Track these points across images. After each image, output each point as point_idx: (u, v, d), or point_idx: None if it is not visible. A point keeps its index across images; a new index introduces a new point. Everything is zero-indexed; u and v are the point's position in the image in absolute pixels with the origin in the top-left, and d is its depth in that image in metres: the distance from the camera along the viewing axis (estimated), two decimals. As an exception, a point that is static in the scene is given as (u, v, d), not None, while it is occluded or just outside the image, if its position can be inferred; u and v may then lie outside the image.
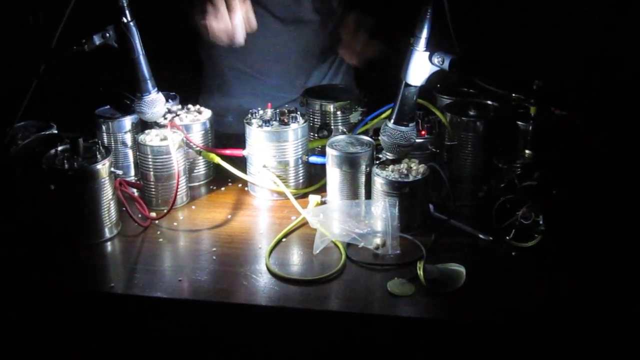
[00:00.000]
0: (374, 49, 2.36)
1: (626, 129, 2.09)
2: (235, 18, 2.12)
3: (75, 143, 1.89)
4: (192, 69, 2.81)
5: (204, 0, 2.11)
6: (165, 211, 2.02)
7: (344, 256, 1.83)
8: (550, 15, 2.53)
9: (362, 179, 1.98)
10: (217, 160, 2.14)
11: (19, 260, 1.86)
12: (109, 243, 1.93)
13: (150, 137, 2.07)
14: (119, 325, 1.78)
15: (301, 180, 2.15)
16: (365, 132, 2.17)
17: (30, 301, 1.79)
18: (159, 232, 1.97)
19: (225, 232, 1.98)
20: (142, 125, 2.16)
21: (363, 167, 1.97)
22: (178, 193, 2.04)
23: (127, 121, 2.16)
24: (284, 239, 1.93)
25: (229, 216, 2.06)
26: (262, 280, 1.76)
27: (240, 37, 2.14)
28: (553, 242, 1.83)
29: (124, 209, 1.98)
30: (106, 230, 1.93)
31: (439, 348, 1.66)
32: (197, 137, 2.18)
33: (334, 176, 2.00)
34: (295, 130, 2.09)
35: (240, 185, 2.22)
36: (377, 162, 1.99)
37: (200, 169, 2.23)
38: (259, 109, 2.13)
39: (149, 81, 2.04)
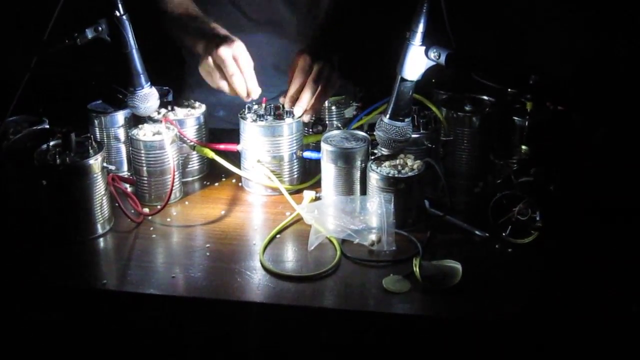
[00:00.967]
0: (323, 98, 2.16)
1: (623, 123, 2.08)
2: (247, 78, 2.11)
3: (67, 138, 1.87)
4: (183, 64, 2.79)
5: (214, 63, 2.10)
6: (158, 207, 2.00)
7: (339, 253, 1.81)
8: (547, 9, 2.51)
9: (357, 174, 1.96)
10: (211, 155, 2.12)
11: (9, 256, 1.85)
12: (101, 239, 1.92)
13: (143, 132, 2.05)
14: (111, 322, 1.76)
15: (296, 176, 2.14)
16: (360, 127, 2.15)
17: (21, 298, 1.77)
18: (152, 228, 1.96)
19: (219, 228, 1.96)
20: (135, 120, 2.14)
21: (358, 163, 1.96)
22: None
23: (120, 116, 2.14)
24: (278, 235, 1.92)
25: (223, 212, 2.04)
26: (256, 277, 1.75)
27: (254, 93, 2.13)
28: (550, 238, 1.82)
29: (117, 204, 1.97)
30: (99, 226, 1.92)
31: (435, 345, 1.65)
32: (190, 132, 2.16)
33: (329, 172, 1.98)
34: (290, 125, 2.08)
35: (234, 180, 2.20)
36: (373, 157, 1.97)
37: (194, 164, 2.22)
38: (253, 103, 2.11)
39: (142, 75, 2.03)
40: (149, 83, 2.05)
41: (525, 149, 1.95)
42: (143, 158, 2.03)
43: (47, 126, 2.06)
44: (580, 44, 2.42)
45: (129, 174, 2.16)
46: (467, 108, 2.08)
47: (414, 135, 1.97)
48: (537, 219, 1.82)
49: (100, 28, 1.95)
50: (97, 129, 2.14)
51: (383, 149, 1.97)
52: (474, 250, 1.84)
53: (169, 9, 2.37)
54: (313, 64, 2.09)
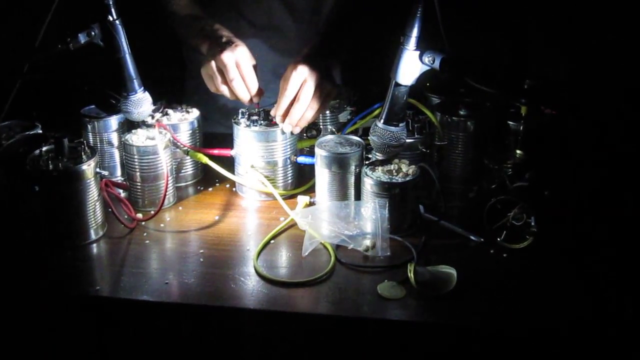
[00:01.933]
0: (314, 114, 2.09)
1: (619, 127, 2.08)
2: (248, 83, 2.09)
3: (60, 143, 1.86)
4: (180, 67, 2.78)
5: (216, 67, 2.08)
6: (152, 212, 2.00)
7: (333, 258, 1.81)
8: (542, 13, 2.51)
9: (352, 179, 1.96)
10: (205, 160, 2.11)
11: (2, 262, 1.83)
12: (94, 245, 1.91)
13: (137, 137, 2.05)
14: (104, 328, 1.76)
15: (290, 181, 2.13)
16: (355, 132, 2.15)
17: (14, 304, 1.76)
18: (145, 234, 1.95)
19: (213, 234, 1.95)
20: (129, 125, 2.13)
21: (352, 168, 1.95)
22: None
23: (113, 121, 2.13)
24: (272, 241, 1.91)
25: (217, 217, 2.03)
26: (250, 283, 1.74)
27: (256, 98, 2.11)
28: (544, 243, 1.81)
29: (110, 210, 1.96)
30: (92, 231, 1.91)
31: (430, 351, 1.65)
32: (184, 137, 2.15)
33: (323, 177, 1.98)
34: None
35: (228, 185, 2.20)
36: (367, 162, 1.96)
37: (188, 169, 2.21)
38: (247, 108, 2.11)
39: (135, 80, 2.02)
40: (142, 88, 2.04)
41: (520, 153, 1.95)
42: (136, 163, 2.02)
43: (40, 131, 2.05)
44: (576, 47, 2.42)
45: (122, 179, 2.15)
46: (461, 112, 2.08)
47: (408, 140, 1.97)
48: (532, 224, 1.82)
49: (93, 33, 1.94)
50: (90, 134, 2.13)
51: (377, 153, 1.96)
52: (468, 256, 1.84)
53: (175, 10, 2.37)
54: (306, 77, 2.04)
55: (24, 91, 1.95)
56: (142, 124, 2.11)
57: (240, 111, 2.10)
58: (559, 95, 1.93)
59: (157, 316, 1.72)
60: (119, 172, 2.17)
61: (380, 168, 1.93)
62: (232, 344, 1.74)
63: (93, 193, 1.88)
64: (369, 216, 1.86)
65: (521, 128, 1.96)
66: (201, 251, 1.87)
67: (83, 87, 2.15)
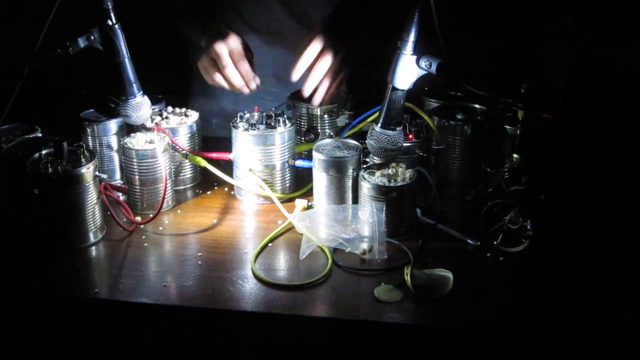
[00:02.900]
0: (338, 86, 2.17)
1: (616, 131, 2.09)
2: (241, 70, 2.13)
3: (60, 146, 1.87)
4: (180, 71, 2.79)
5: (210, 57, 2.14)
6: (151, 215, 2.01)
7: (330, 261, 1.82)
8: (538, 18, 2.52)
9: (349, 183, 1.97)
10: (204, 163, 2.12)
11: (2, 265, 1.84)
12: (93, 248, 1.92)
13: (136, 141, 2.06)
14: (103, 331, 1.76)
15: (287, 184, 2.14)
16: (352, 136, 2.16)
17: (12, 306, 1.77)
18: (144, 237, 1.96)
19: (211, 237, 1.96)
20: (128, 129, 2.14)
21: (350, 172, 1.96)
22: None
23: (112, 124, 2.14)
24: (270, 244, 1.92)
25: (215, 220, 2.04)
26: (248, 286, 1.75)
27: (251, 86, 2.15)
28: (541, 247, 1.82)
29: (109, 213, 1.97)
30: (91, 234, 1.92)
31: (427, 354, 1.65)
32: (183, 140, 2.16)
33: (321, 180, 1.99)
34: (282, 133, 2.08)
35: (226, 189, 2.21)
36: (364, 166, 1.97)
37: (187, 172, 2.22)
38: (246, 111, 2.12)
39: (134, 84, 2.03)
40: (141, 92, 2.05)
41: (516, 157, 1.96)
42: (135, 166, 2.03)
43: (40, 135, 2.06)
44: (572, 52, 2.43)
45: (121, 182, 2.16)
46: (458, 117, 2.09)
47: (405, 144, 1.98)
48: (528, 227, 1.83)
49: (92, 37, 1.95)
50: (89, 137, 2.14)
51: (375, 157, 1.97)
52: (465, 259, 1.85)
53: (180, 14, 2.42)
54: (321, 39, 2.09)
55: (24, 95, 1.96)
56: (141, 128, 2.12)
57: (238, 115, 2.11)
58: (555, 99, 1.94)
59: (155, 319, 1.73)
60: (118, 175, 2.18)
61: (377, 172, 1.94)
62: (229, 346, 1.74)
63: (92, 196, 1.89)
64: (366, 220, 1.87)
65: (518, 132, 1.96)
66: (199, 254, 1.87)
67: (82, 91, 2.16)
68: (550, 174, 1.94)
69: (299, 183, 2.17)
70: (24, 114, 2.06)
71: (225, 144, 2.16)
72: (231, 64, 2.10)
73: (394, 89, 1.87)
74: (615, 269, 1.78)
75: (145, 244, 1.93)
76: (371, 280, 1.77)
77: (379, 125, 1.92)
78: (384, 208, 1.86)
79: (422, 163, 2.01)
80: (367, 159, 2.00)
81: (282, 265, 1.85)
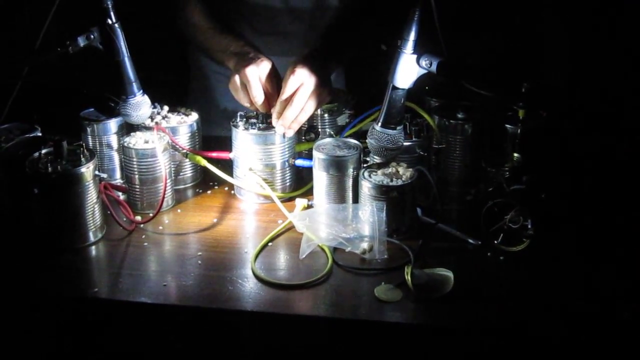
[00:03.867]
0: (304, 116, 2.10)
1: (616, 131, 2.08)
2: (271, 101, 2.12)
3: (59, 146, 1.87)
4: (179, 70, 2.79)
5: (237, 85, 2.12)
6: (151, 215, 2.00)
7: (330, 261, 1.81)
8: (540, 17, 2.52)
9: (350, 182, 1.96)
10: (204, 163, 2.12)
11: (1, 264, 1.84)
12: (93, 247, 1.91)
13: (136, 140, 2.05)
14: (102, 330, 1.76)
15: (288, 184, 2.14)
16: (352, 135, 2.15)
17: (12, 305, 1.77)
18: (144, 236, 1.95)
19: (211, 236, 1.96)
20: (128, 128, 2.14)
21: (350, 171, 1.96)
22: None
23: (112, 124, 2.13)
24: (270, 243, 1.92)
25: (215, 220, 2.04)
26: (248, 285, 1.75)
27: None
28: (541, 246, 1.82)
29: (109, 212, 1.96)
30: (90, 234, 1.91)
31: (427, 354, 1.65)
32: (183, 140, 2.16)
33: (321, 180, 1.98)
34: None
35: (226, 188, 2.20)
36: (365, 165, 1.97)
37: (187, 171, 2.22)
38: (246, 111, 2.12)
39: (134, 83, 2.03)
40: (141, 91, 2.04)
41: (517, 156, 1.95)
42: (135, 166, 2.03)
43: (39, 134, 2.05)
44: (575, 50, 2.43)
45: (121, 181, 2.16)
46: (459, 116, 2.08)
47: (406, 143, 1.97)
48: (529, 226, 1.82)
49: (92, 36, 1.94)
50: (89, 136, 2.13)
51: (375, 156, 1.97)
52: (465, 258, 1.84)
53: (195, 24, 2.41)
54: (304, 81, 2.04)
55: (24, 94, 1.95)
56: (141, 127, 2.12)
57: (238, 114, 2.11)
58: (556, 98, 1.94)
59: (155, 318, 1.72)
60: (118, 174, 2.18)
61: (378, 171, 1.94)
62: (229, 345, 1.74)
63: (92, 195, 1.89)
64: (367, 219, 1.87)
65: (518, 131, 1.96)
66: (199, 253, 1.87)
67: (82, 90, 2.15)
68: (551, 173, 1.93)
69: (299, 182, 2.17)
70: (23, 113, 2.06)
71: (226, 144, 2.16)
72: (260, 94, 2.08)
73: (395, 88, 1.87)
74: (616, 268, 1.77)
75: (145, 244, 1.92)
76: (371, 279, 1.76)
77: (380, 124, 1.91)
78: (385, 207, 1.86)
79: (423, 162, 2.01)
80: (368, 158, 2.00)
81: (282, 264, 1.85)
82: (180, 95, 2.68)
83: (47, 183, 1.84)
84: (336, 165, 1.96)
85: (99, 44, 1.96)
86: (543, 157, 1.96)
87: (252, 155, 2.08)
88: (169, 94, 2.33)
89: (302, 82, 2.04)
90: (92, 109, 2.16)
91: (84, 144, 1.92)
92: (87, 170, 1.86)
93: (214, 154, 2.15)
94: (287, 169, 2.12)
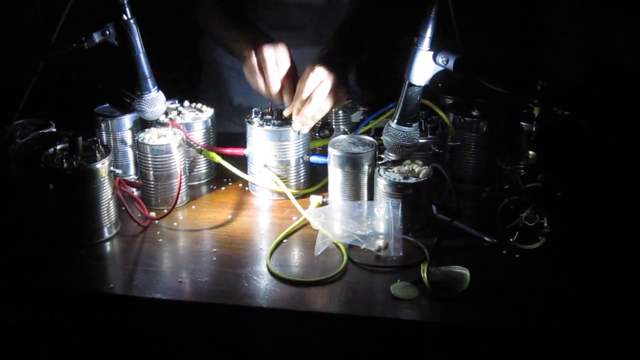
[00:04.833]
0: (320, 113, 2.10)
1: (631, 129, 2.07)
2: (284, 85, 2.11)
3: (75, 142, 1.87)
4: (192, 67, 2.79)
5: (254, 66, 2.11)
6: (165, 211, 2.00)
7: (345, 258, 1.81)
8: (555, 15, 2.51)
9: (365, 179, 1.96)
10: (218, 159, 2.12)
11: (16, 260, 1.84)
12: (108, 243, 1.92)
13: (150, 136, 2.05)
14: (117, 326, 1.76)
15: (302, 180, 2.13)
16: (367, 132, 2.15)
17: (28, 302, 1.77)
18: (158, 232, 1.95)
19: (226, 233, 1.96)
20: (142, 124, 2.14)
21: (365, 168, 1.95)
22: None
23: (127, 119, 2.13)
24: (285, 240, 1.91)
25: (230, 216, 2.04)
26: (263, 282, 1.74)
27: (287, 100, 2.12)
28: (557, 244, 1.81)
29: (124, 208, 1.96)
30: (105, 230, 1.91)
31: (443, 352, 1.65)
32: (198, 136, 2.16)
33: (336, 177, 1.98)
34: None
35: (240, 184, 2.20)
36: (380, 162, 1.97)
37: (201, 167, 2.22)
38: (260, 107, 2.11)
39: (149, 79, 2.02)
40: (156, 87, 2.04)
41: (532, 154, 1.94)
42: (150, 162, 2.03)
43: (54, 130, 2.06)
44: (590, 49, 2.42)
45: (135, 177, 2.16)
46: (474, 113, 2.08)
47: (421, 141, 1.97)
48: (545, 224, 1.81)
49: (107, 32, 1.94)
50: (103, 132, 2.13)
51: (390, 154, 1.96)
52: (481, 256, 1.84)
53: (216, 15, 2.41)
54: (323, 79, 2.04)
55: (39, 90, 1.95)
56: (155, 123, 2.12)
57: (253, 110, 2.11)
58: (572, 96, 1.93)
59: (170, 314, 1.73)
60: (132, 170, 2.18)
61: (393, 168, 1.93)
62: (244, 342, 1.74)
63: (107, 191, 1.89)
64: (382, 216, 1.86)
65: (534, 129, 1.95)
66: (214, 250, 1.87)
67: (97, 85, 2.15)
68: (567, 171, 1.93)
69: (313, 179, 2.17)
70: (38, 109, 2.06)
71: (240, 140, 2.16)
72: (277, 76, 2.08)
73: (411, 85, 1.87)
74: (632, 265, 1.77)
75: (160, 240, 1.92)
76: (386, 277, 1.76)
77: (395, 121, 1.91)
78: (400, 205, 1.86)
79: (438, 160, 2.00)
80: (382, 156, 1.99)
81: (297, 261, 1.85)
82: (191, 92, 2.67)
83: (63, 179, 1.84)
84: (351, 162, 1.95)
85: (115, 39, 1.96)
86: (559, 155, 1.95)
87: (266, 152, 2.08)
88: (181, 90, 2.33)
89: (321, 80, 2.03)
90: (107, 105, 2.16)
91: (98, 140, 1.92)
92: (103, 166, 1.87)
93: (229, 150, 2.15)
94: (302, 165, 2.11)
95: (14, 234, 1.93)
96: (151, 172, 2.04)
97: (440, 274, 1.72)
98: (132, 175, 2.17)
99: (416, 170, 1.92)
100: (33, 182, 1.91)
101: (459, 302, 1.66)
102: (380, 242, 1.84)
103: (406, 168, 1.93)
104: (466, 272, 1.71)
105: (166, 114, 2.14)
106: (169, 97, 2.14)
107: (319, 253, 1.83)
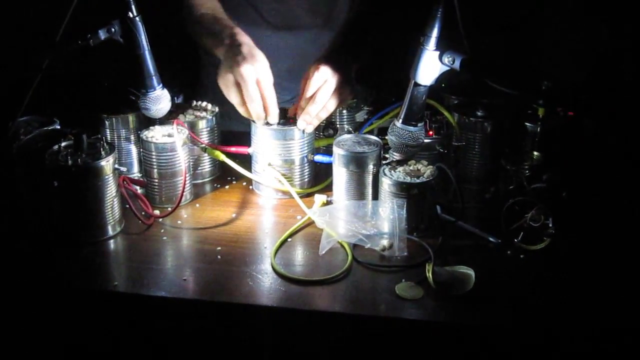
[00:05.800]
0: (325, 113, 2.08)
1: (636, 129, 2.07)
2: (267, 102, 2.03)
3: (79, 139, 1.87)
4: (194, 66, 2.78)
5: (235, 79, 2.02)
6: (169, 209, 2.00)
7: (350, 257, 1.81)
8: (560, 15, 2.51)
9: (369, 179, 1.96)
10: (222, 157, 2.12)
11: (20, 257, 1.84)
12: (112, 241, 1.91)
13: (154, 134, 2.05)
14: (122, 324, 1.76)
15: (306, 179, 2.13)
16: (370, 132, 2.15)
17: (32, 299, 1.77)
18: (162, 230, 1.95)
19: (230, 231, 1.96)
20: (146, 122, 2.13)
21: (370, 167, 1.95)
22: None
23: (131, 117, 2.13)
24: (289, 239, 1.91)
25: (234, 215, 2.03)
26: (268, 280, 1.74)
27: (272, 118, 2.06)
28: (562, 245, 1.81)
29: (128, 206, 1.96)
30: (109, 227, 1.91)
31: (448, 352, 1.65)
32: (202, 134, 2.16)
33: (341, 176, 1.98)
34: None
35: (245, 183, 2.20)
36: (385, 162, 1.96)
37: (205, 166, 2.22)
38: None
39: (154, 77, 2.01)
40: (161, 85, 2.03)
41: (537, 155, 1.95)
42: (154, 160, 2.03)
43: (58, 127, 2.05)
44: (593, 49, 2.41)
45: (139, 175, 2.15)
46: (479, 113, 2.08)
47: (426, 140, 1.97)
48: (550, 225, 1.81)
49: (113, 29, 1.94)
50: (107, 130, 2.13)
51: (395, 153, 1.96)
52: (485, 256, 1.84)
53: (194, 7, 2.35)
54: (327, 78, 2.03)
55: (43, 87, 1.95)
56: (160, 121, 2.11)
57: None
58: (576, 96, 1.93)
59: (174, 312, 1.72)
60: (135, 168, 2.18)
61: (398, 168, 1.93)
62: (249, 340, 1.74)
63: (111, 189, 1.89)
64: (387, 216, 1.86)
65: (538, 129, 1.95)
66: (218, 248, 1.87)
67: (102, 83, 2.15)
68: (572, 171, 1.92)
69: (317, 178, 2.17)
70: (42, 106, 2.05)
71: (244, 138, 2.16)
72: (258, 98, 2.00)
73: (416, 84, 1.86)
74: (637, 265, 1.77)
75: (164, 238, 1.92)
76: (391, 276, 1.76)
77: (400, 121, 1.91)
78: (405, 205, 1.85)
79: (443, 159, 2.00)
80: (387, 155, 1.99)
81: (301, 260, 1.84)
82: (195, 90, 2.67)
83: (67, 176, 1.84)
84: (356, 162, 1.95)
85: (120, 37, 1.95)
86: (564, 155, 1.95)
87: (271, 151, 2.08)
88: (183, 89, 2.33)
89: (325, 79, 2.02)
90: (111, 102, 2.16)
91: (103, 137, 1.92)
92: (107, 163, 1.86)
93: (233, 149, 2.14)
94: (306, 164, 2.11)
95: (18, 232, 1.92)
96: (155, 170, 2.04)
97: (445, 274, 1.71)
98: (136, 174, 2.17)
99: (421, 170, 1.92)
100: (37, 179, 1.91)
101: (464, 302, 1.66)
102: (384, 242, 1.84)
103: (411, 168, 1.93)
104: (471, 272, 1.71)
105: (171, 112, 2.14)
106: (172, 93, 2.13)
107: (324, 252, 1.83)
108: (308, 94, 2.02)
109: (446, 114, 2.06)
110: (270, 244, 1.89)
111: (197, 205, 2.09)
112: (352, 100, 2.20)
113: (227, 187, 2.20)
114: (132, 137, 2.14)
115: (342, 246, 1.86)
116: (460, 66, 1.81)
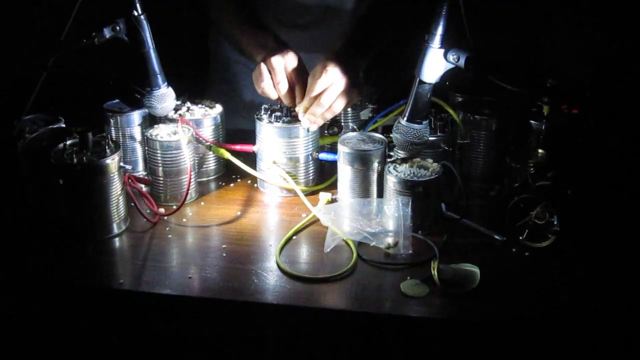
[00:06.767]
0: (330, 114, 2.08)
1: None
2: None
3: (85, 137, 1.87)
4: (198, 64, 2.79)
5: (262, 72, 2.09)
6: (174, 207, 2.00)
7: (355, 255, 1.81)
8: (564, 13, 2.51)
9: (374, 177, 1.96)
10: (227, 155, 2.12)
11: (25, 255, 1.84)
12: (117, 239, 1.92)
13: (159, 132, 2.05)
14: (127, 322, 1.76)
15: (311, 177, 2.13)
16: (374, 130, 2.15)
17: (37, 297, 1.77)
18: (167, 229, 1.95)
19: (235, 229, 1.96)
20: (151, 120, 2.14)
21: (375, 165, 1.95)
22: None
23: (136, 115, 2.13)
24: (294, 237, 1.91)
25: (239, 213, 2.04)
26: (273, 278, 1.75)
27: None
28: (567, 242, 1.81)
29: (133, 204, 1.96)
30: (114, 225, 1.91)
31: (453, 349, 1.65)
32: (207, 132, 2.16)
33: (346, 174, 1.98)
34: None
35: (249, 181, 2.20)
36: (390, 160, 1.96)
37: (210, 164, 2.22)
38: (270, 104, 2.11)
39: (159, 75, 2.02)
40: (165, 83, 2.04)
41: (542, 152, 1.95)
42: (159, 158, 2.03)
43: (64, 125, 2.06)
44: (598, 46, 2.41)
45: (144, 173, 2.16)
46: (484, 111, 2.07)
47: (431, 138, 1.97)
48: (555, 223, 1.81)
49: (118, 27, 1.94)
50: (112, 128, 2.13)
51: (400, 151, 1.96)
52: (490, 254, 1.84)
53: (232, 18, 2.39)
54: (334, 81, 2.02)
55: (49, 85, 1.95)
56: (165, 119, 2.12)
57: (262, 107, 2.11)
58: (581, 93, 1.93)
59: (179, 310, 1.73)
60: (140, 166, 2.17)
61: (403, 166, 1.93)
62: (253, 338, 1.74)
63: (116, 187, 1.89)
64: (392, 214, 1.86)
65: (543, 127, 1.95)
66: (223, 246, 1.87)
67: (107, 81, 2.15)
68: (577, 169, 1.92)
69: (322, 176, 2.17)
70: (48, 104, 2.06)
71: (249, 136, 2.16)
72: (285, 80, 2.06)
73: (421, 82, 1.86)
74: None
75: (169, 236, 1.92)
76: (396, 274, 1.76)
77: (405, 118, 1.91)
78: (410, 202, 1.85)
79: (447, 157, 2.00)
80: (392, 153, 1.99)
81: (306, 258, 1.85)
82: (200, 87, 2.67)
83: (72, 174, 1.84)
84: (361, 159, 1.95)
85: (125, 35, 1.95)
86: (569, 153, 1.95)
87: (275, 149, 2.08)
88: (189, 87, 2.33)
89: (332, 82, 2.01)
90: (116, 101, 2.16)
91: (108, 136, 1.92)
92: (112, 161, 1.87)
93: (238, 147, 2.15)
94: (311, 162, 2.11)
95: (23, 230, 1.92)
96: (160, 168, 2.04)
97: (450, 272, 1.71)
98: (141, 172, 2.17)
99: (426, 167, 1.92)
100: (42, 178, 1.91)
101: (469, 299, 1.66)
102: (389, 240, 1.84)
103: (416, 166, 1.93)
104: (476, 269, 1.71)
105: (175, 110, 2.14)
106: (177, 94, 2.14)
107: (329, 250, 1.83)
108: (313, 93, 2.01)
109: (451, 111, 2.06)
110: (275, 241, 1.89)
111: (202, 203, 2.10)
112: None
113: (232, 185, 2.20)
114: (137, 136, 2.14)
115: (347, 244, 1.86)
116: (465, 64, 1.81)
